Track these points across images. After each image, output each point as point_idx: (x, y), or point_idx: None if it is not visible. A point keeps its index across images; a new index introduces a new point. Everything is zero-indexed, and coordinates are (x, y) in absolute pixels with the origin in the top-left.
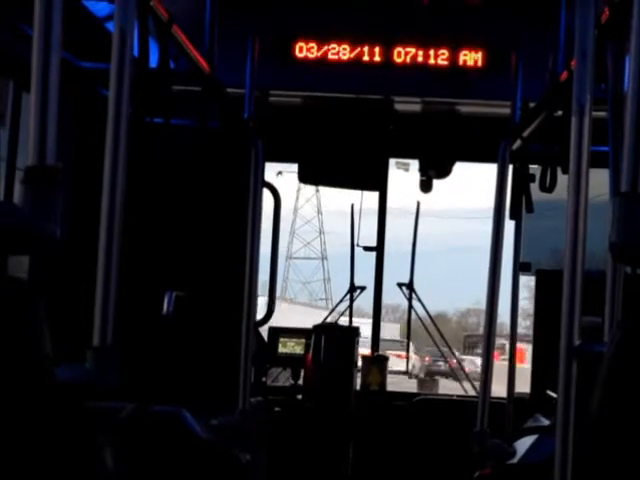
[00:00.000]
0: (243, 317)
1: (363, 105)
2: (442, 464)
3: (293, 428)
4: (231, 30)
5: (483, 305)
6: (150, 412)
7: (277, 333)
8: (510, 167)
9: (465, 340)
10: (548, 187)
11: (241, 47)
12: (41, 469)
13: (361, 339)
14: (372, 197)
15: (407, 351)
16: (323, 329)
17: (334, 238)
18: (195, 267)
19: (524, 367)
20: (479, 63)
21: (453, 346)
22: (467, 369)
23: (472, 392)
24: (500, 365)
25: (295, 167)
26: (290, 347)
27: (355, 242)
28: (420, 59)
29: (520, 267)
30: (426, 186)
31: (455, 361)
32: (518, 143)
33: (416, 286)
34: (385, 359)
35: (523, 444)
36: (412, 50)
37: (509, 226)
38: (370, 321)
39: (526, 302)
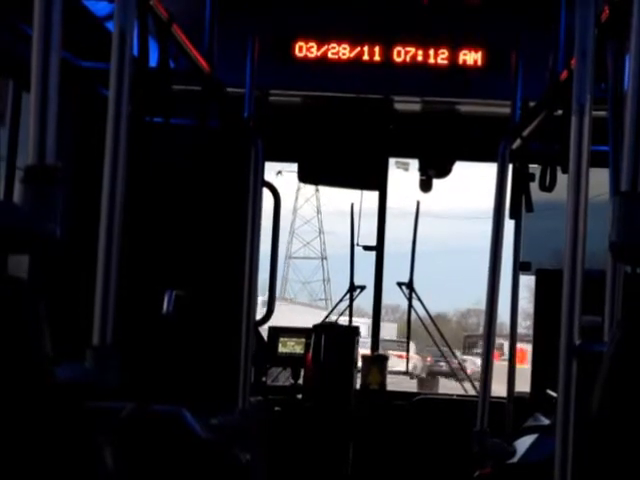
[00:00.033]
0: (243, 316)
1: (363, 104)
2: (442, 463)
3: (293, 428)
4: (231, 30)
5: (483, 305)
6: (150, 411)
7: (277, 333)
8: (510, 166)
9: (465, 340)
10: (548, 186)
11: (241, 47)
12: (41, 469)
13: (359, 339)
14: (372, 198)
15: (407, 351)
16: (323, 329)
17: (334, 238)
18: (195, 266)
19: (525, 368)
20: (479, 62)
21: (453, 346)
22: (470, 369)
23: (473, 392)
24: (500, 366)
25: (295, 167)
26: (290, 347)
27: (355, 242)
28: (420, 59)
29: (520, 266)
30: (426, 186)
31: (457, 361)
32: (518, 142)
33: (416, 286)
34: (385, 358)
35: (523, 443)
36: (412, 50)
37: (510, 226)
38: (368, 321)
39: (527, 302)
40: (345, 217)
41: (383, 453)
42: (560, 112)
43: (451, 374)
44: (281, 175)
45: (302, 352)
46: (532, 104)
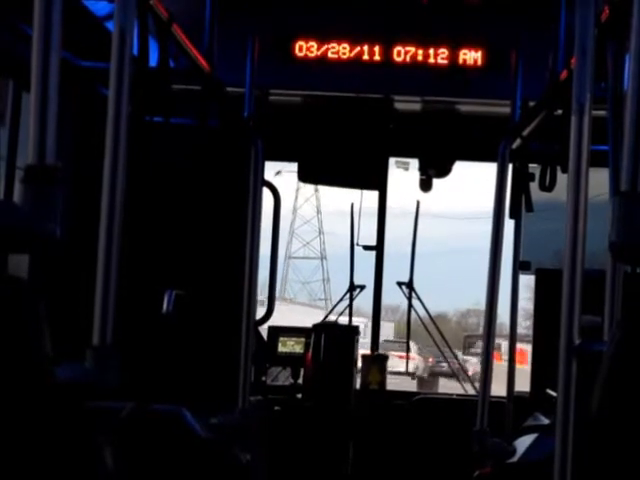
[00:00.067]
0: (243, 316)
1: (363, 104)
2: (442, 463)
3: (293, 427)
4: (231, 29)
5: (483, 306)
6: (150, 411)
7: (277, 332)
8: (510, 166)
9: (465, 340)
10: (548, 186)
11: (241, 46)
12: (41, 469)
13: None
14: (371, 198)
15: (407, 351)
16: (323, 328)
17: (333, 239)
18: (195, 266)
19: (525, 368)
20: (479, 62)
21: (453, 346)
22: (471, 370)
23: (473, 392)
24: (503, 366)
25: (294, 167)
26: (290, 346)
27: (355, 241)
28: (420, 58)
29: (520, 266)
30: (426, 185)
31: (457, 362)
32: (518, 142)
33: (416, 286)
34: (385, 358)
35: (523, 443)
36: (412, 49)
37: (510, 226)
38: (364, 320)
39: (527, 302)
40: (345, 217)
41: (383, 453)
42: (560, 112)
43: (453, 375)
44: (280, 175)
45: (302, 352)
46: (532, 104)
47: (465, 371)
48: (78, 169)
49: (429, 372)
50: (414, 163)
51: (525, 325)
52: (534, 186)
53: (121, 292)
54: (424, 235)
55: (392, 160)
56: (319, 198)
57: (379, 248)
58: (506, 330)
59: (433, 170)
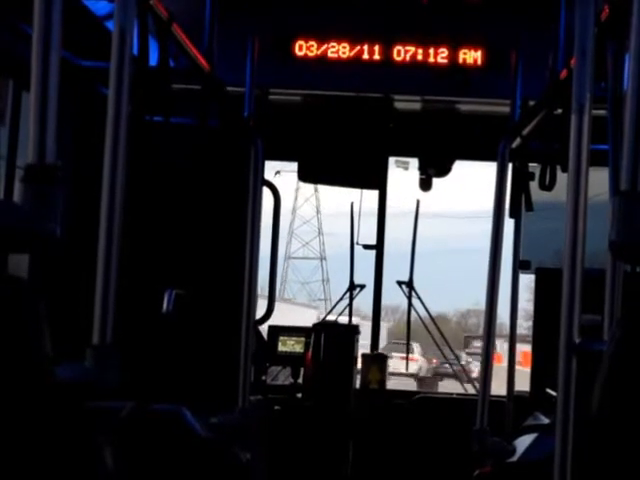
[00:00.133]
0: (243, 315)
1: (363, 103)
2: (442, 462)
3: (293, 427)
4: (231, 28)
5: (483, 306)
6: (150, 410)
7: (277, 332)
8: (510, 165)
9: (465, 341)
10: (547, 185)
11: (241, 45)
12: (41, 469)
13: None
14: (371, 198)
15: (407, 352)
16: (323, 327)
17: (333, 239)
18: (195, 265)
19: (527, 370)
20: (479, 61)
21: (453, 347)
22: (476, 371)
23: (473, 391)
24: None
25: (294, 166)
26: (290, 345)
27: (355, 241)
28: (420, 57)
29: (520, 265)
30: (426, 185)
31: (463, 363)
32: (518, 141)
33: (416, 287)
34: (385, 357)
35: (523, 442)
36: (412, 49)
37: (510, 225)
38: (363, 322)
39: (527, 303)
40: (344, 218)
41: (383, 452)
42: (560, 111)
43: (458, 376)
44: (280, 175)
45: (302, 351)
46: (532, 103)
47: (468, 372)
48: (78, 169)
49: (433, 374)
50: (414, 162)
51: (526, 326)
52: (534, 185)
53: (121, 292)
54: (424, 234)
55: (392, 160)
56: (319, 198)
57: (379, 247)
58: (506, 330)
59: (433, 169)
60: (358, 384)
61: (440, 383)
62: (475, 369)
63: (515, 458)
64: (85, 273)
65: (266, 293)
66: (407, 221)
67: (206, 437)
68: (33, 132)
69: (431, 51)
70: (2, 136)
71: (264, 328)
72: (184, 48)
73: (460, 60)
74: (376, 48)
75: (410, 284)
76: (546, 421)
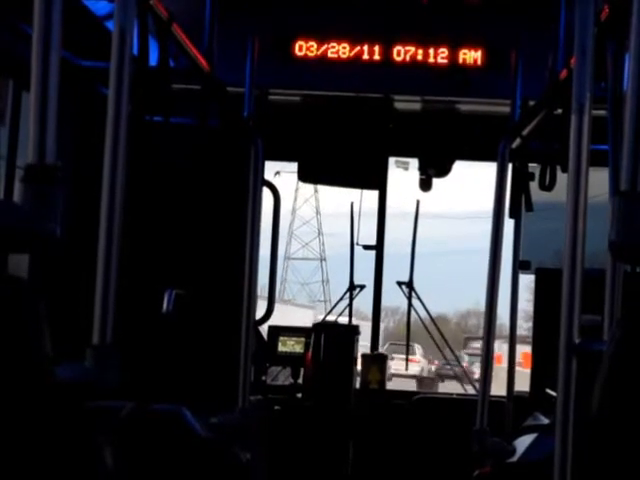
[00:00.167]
0: (243, 315)
1: (363, 104)
2: (442, 463)
3: (293, 427)
4: (231, 29)
5: (483, 307)
6: (150, 410)
7: (277, 332)
8: (510, 166)
9: (465, 342)
10: (547, 186)
11: (241, 46)
12: (41, 469)
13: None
14: (371, 199)
15: (407, 353)
16: (323, 328)
17: (332, 240)
18: (195, 265)
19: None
20: (479, 62)
21: (453, 348)
22: (479, 372)
23: (472, 391)
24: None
25: (293, 167)
26: (290, 346)
27: (355, 241)
28: (420, 58)
29: (520, 265)
30: (426, 185)
31: (465, 364)
32: (518, 141)
33: (416, 287)
34: (385, 358)
35: (523, 442)
36: (412, 49)
37: (510, 225)
38: (358, 321)
39: (528, 304)
40: (344, 219)
41: (383, 452)
42: (560, 111)
43: (461, 377)
44: (279, 176)
45: (302, 351)
46: (532, 103)
47: (470, 374)
48: (78, 169)
49: (435, 375)
50: (414, 163)
51: (526, 327)
52: (534, 185)
53: (121, 291)
54: (424, 235)
55: (392, 160)
56: (318, 199)
57: (379, 248)
58: (506, 331)
59: (433, 170)
60: (358, 384)
61: (442, 384)
62: (477, 370)
63: (515, 458)
64: (85, 273)
65: (266, 294)
66: (407, 221)
67: (206, 437)
68: (33, 132)
69: (431, 51)
70: (2, 136)
71: (264, 328)
72: (184, 48)
73: (460, 60)
74: (376, 48)
75: (410, 284)
76: (546, 421)
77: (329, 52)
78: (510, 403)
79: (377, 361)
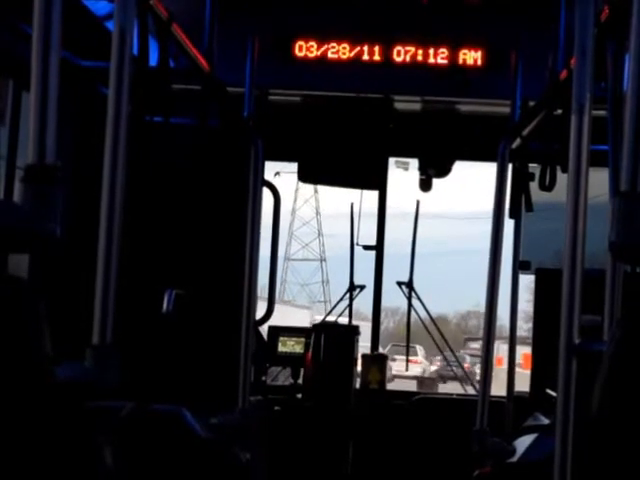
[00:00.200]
0: (243, 316)
1: (363, 104)
2: (442, 463)
3: (293, 427)
4: (231, 29)
5: (483, 307)
6: (150, 411)
7: (277, 332)
8: (510, 166)
9: (464, 342)
10: (547, 186)
11: (241, 46)
12: (41, 468)
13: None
14: (371, 199)
15: (407, 353)
16: (323, 328)
17: (332, 240)
18: (195, 265)
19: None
20: (479, 62)
21: (453, 349)
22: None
23: (472, 391)
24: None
25: (293, 167)
26: (290, 346)
27: (355, 241)
28: (420, 58)
29: (520, 265)
30: (426, 185)
31: (468, 365)
32: (518, 142)
33: (416, 288)
34: (385, 358)
35: (523, 443)
36: (412, 49)
37: (510, 226)
38: (357, 321)
39: (528, 305)
40: (344, 219)
41: (383, 452)
42: (560, 111)
43: (463, 378)
44: (279, 176)
45: (302, 351)
46: (532, 103)
47: (472, 374)
48: (78, 169)
49: (437, 376)
50: (414, 163)
51: (526, 328)
52: (534, 186)
53: (121, 292)
54: (424, 235)
55: (392, 160)
56: (318, 199)
57: (379, 248)
58: (506, 332)
59: (433, 170)
60: (358, 385)
61: (444, 386)
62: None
63: (515, 458)
64: (85, 273)
65: (265, 295)
66: (407, 222)
67: (206, 437)
68: (33, 132)
69: (431, 51)
70: (2, 136)
71: (264, 328)
72: (184, 48)
73: (460, 60)
74: (376, 49)
75: (410, 285)
76: (546, 422)
77: (329, 52)
78: (510, 403)
79: (377, 361)
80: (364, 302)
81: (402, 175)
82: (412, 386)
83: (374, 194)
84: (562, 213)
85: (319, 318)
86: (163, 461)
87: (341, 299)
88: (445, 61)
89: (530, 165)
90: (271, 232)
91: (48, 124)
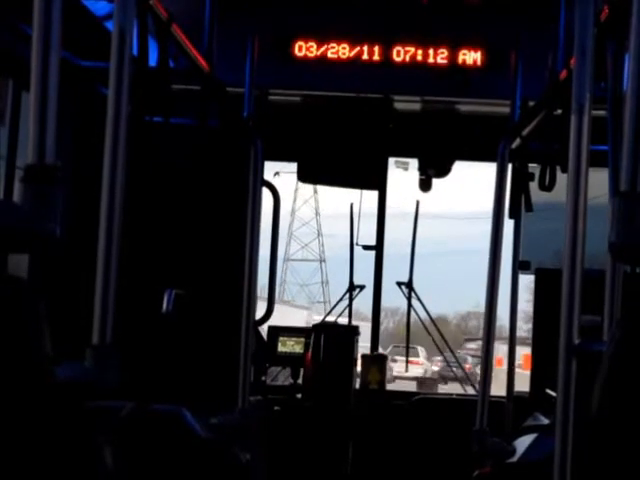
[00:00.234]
0: (243, 316)
1: (363, 104)
2: (442, 463)
3: (293, 427)
4: (231, 29)
5: (483, 308)
6: (150, 411)
7: (277, 332)
8: (509, 166)
9: (463, 343)
10: (547, 186)
11: (240, 46)
12: (41, 468)
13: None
14: (371, 199)
15: (407, 354)
16: (323, 328)
17: (332, 241)
18: (195, 265)
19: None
20: (478, 62)
21: (454, 349)
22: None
23: (472, 391)
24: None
25: (293, 168)
26: (290, 346)
27: (354, 241)
28: (420, 58)
29: (520, 266)
30: (425, 185)
31: (469, 366)
32: (517, 142)
33: (415, 288)
34: (384, 358)
35: (522, 443)
36: (411, 49)
37: (510, 226)
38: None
39: (528, 305)
40: (344, 219)
41: (383, 453)
42: (560, 111)
43: (464, 379)
44: (279, 176)
45: (302, 351)
46: (532, 103)
47: (473, 375)
48: (78, 169)
49: (438, 377)
50: (414, 163)
51: (526, 328)
52: (534, 186)
53: (121, 292)
54: (423, 235)
55: (392, 160)
56: (318, 200)
57: (379, 248)
58: (506, 332)
59: (433, 170)
60: (358, 385)
61: (445, 387)
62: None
63: (515, 459)
64: (85, 273)
65: (265, 295)
66: (407, 222)
67: (206, 438)
68: (33, 132)
69: (431, 51)
70: (2, 136)
71: (264, 328)
72: (184, 48)
73: (460, 60)
74: (376, 48)
75: (410, 285)
76: (546, 422)
77: (329, 52)
78: (510, 403)
79: (377, 361)
80: (364, 302)
81: (402, 175)
82: (414, 387)
83: (374, 194)
84: (562, 213)
85: (317, 318)
86: (163, 461)
87: (341, 299)
88: (445, 61)
89: (530, 165)
90: (270, 232)
91: (48, 124)
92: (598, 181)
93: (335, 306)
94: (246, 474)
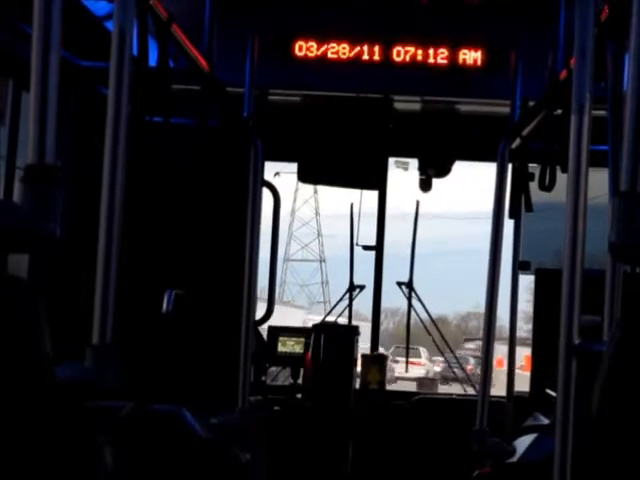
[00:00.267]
0: (243, 316)
1: (363, 104)
2: (441, 463)
3: (293, 427)
4: (231, 29)
5: (483, 308)
6: (150, 411)
7: (277, 332)
8: (509, 166)
9: (464, 343)
10: (547, 186)
11: (241, 46)
12: (41, 469)
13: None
14: (371, 200)
15: (407, 354)
16: (323, 328)
17: (332, 241)
18: (195, 266)
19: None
20: (479, 62)
21: (454, 350)
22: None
23: (472, 391)
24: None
25: (293, 168)
26: (290, 346)
27: (354, 241)
28: (420, 58)
29: (520, 266)
30: (425, 185)
31: (471, 366)
32: (517, 142)
33: (416, 288)
34: (384, 358)
35: (522, 443)
36: (412, 49)
37: (510, 226)
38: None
39: (528, 305)
40: (344, 220)
41: (382, 452)
42: (560, 111)
43: (466, 380)
44: (279, 176)
45: (301, 351)
46: (532, 103)
47: (474, 376)
48: (78, 169)
49: (440, 377)
50: (414, 163)
51: (526, 329)
52: (534, 186)
53: (121, 292)
54: (423, 236)
55: (392, 160)
56: (318, 200)
57: (379, 248)
58: (506, 333)
59: (433, 170)
60: (358, 385)
61: (448, 387)
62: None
63: (515, 459)
64: (85, 273)
65: (265, 296)
66: (407, 222)
67: (206, 437)
68: (33, 132)
69: (431, 51)
70: (2, 136)
71: (264, 328)
72: (184, 48)
73: (460, 60)
74: (376, 48)
75: (410, 285)
76: (546, 422)
77: (329, 52)
78: (510, 403)
79: (377, 361)
80: (364, 303)
81: (402, 175)
82: (414, 387)
83: (374, 194)
84: (562, 213)
85: (315, 318)
86: (163, 461)
87: (341, 299)
88: (445, 61)
89: (530, 165)
90: (271, 232)
91: (48, 124)
92: (598, 181)
93: (335, 306)
94: (246, 474)
